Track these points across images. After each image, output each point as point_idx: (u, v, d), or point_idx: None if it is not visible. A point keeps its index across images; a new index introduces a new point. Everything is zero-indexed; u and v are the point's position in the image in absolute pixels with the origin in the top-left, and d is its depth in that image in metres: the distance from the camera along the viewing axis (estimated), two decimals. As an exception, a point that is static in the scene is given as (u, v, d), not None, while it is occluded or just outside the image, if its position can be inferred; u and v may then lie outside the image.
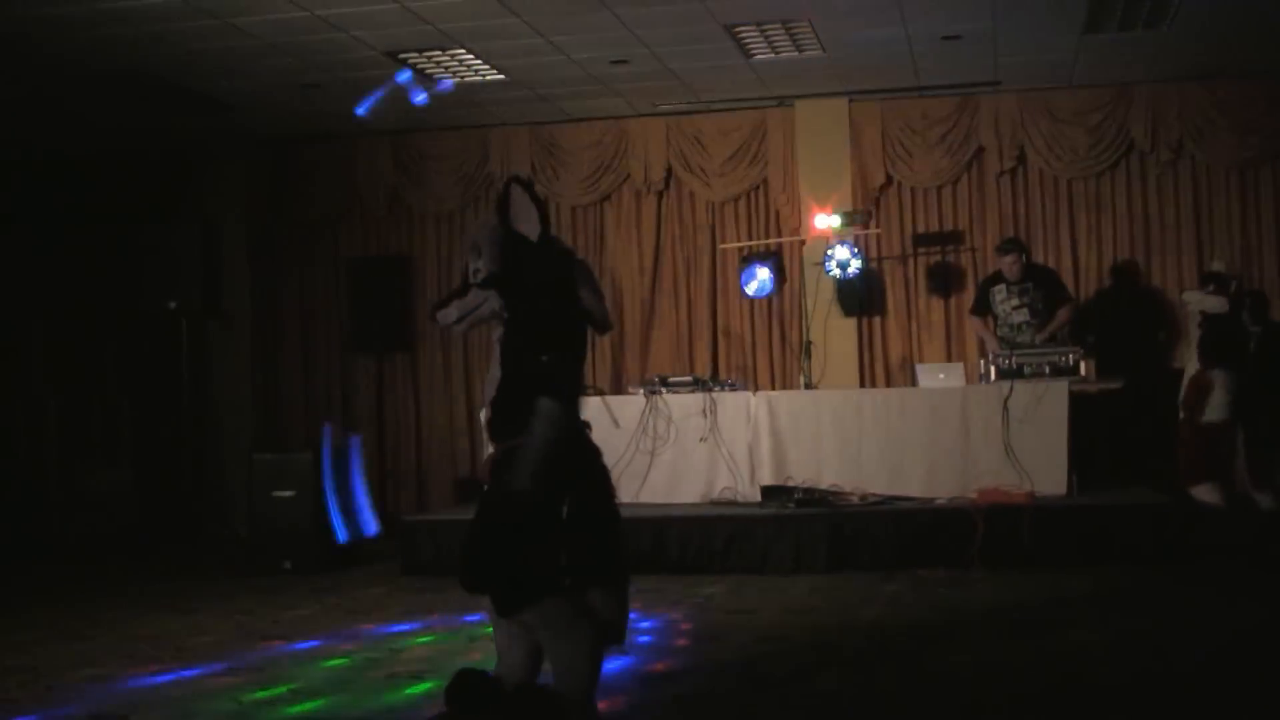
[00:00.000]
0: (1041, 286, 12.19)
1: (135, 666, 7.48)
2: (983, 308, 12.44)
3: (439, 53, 11.62)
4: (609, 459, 11.09)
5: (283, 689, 6.72)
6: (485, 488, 5.68)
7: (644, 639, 7.76)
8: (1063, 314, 12.12)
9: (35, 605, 10.02)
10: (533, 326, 5.59)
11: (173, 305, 12.95)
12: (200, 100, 12.73)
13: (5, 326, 14.26)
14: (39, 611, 9.66)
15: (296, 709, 6.31)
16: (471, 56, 11.76)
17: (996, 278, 12.32)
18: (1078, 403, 11.05)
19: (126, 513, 13.68)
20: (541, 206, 5.74)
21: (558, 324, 5.67)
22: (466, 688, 5.55)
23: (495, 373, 5.63)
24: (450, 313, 5.72)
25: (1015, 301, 12.13)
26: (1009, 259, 12.14)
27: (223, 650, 7.90)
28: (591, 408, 11.57)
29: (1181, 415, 11.65)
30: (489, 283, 5.61)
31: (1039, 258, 13.05)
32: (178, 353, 13.28)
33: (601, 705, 5.70)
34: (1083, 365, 11.33)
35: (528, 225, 5.69)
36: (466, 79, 12.36)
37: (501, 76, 12.38)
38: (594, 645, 5.43)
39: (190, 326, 13.26)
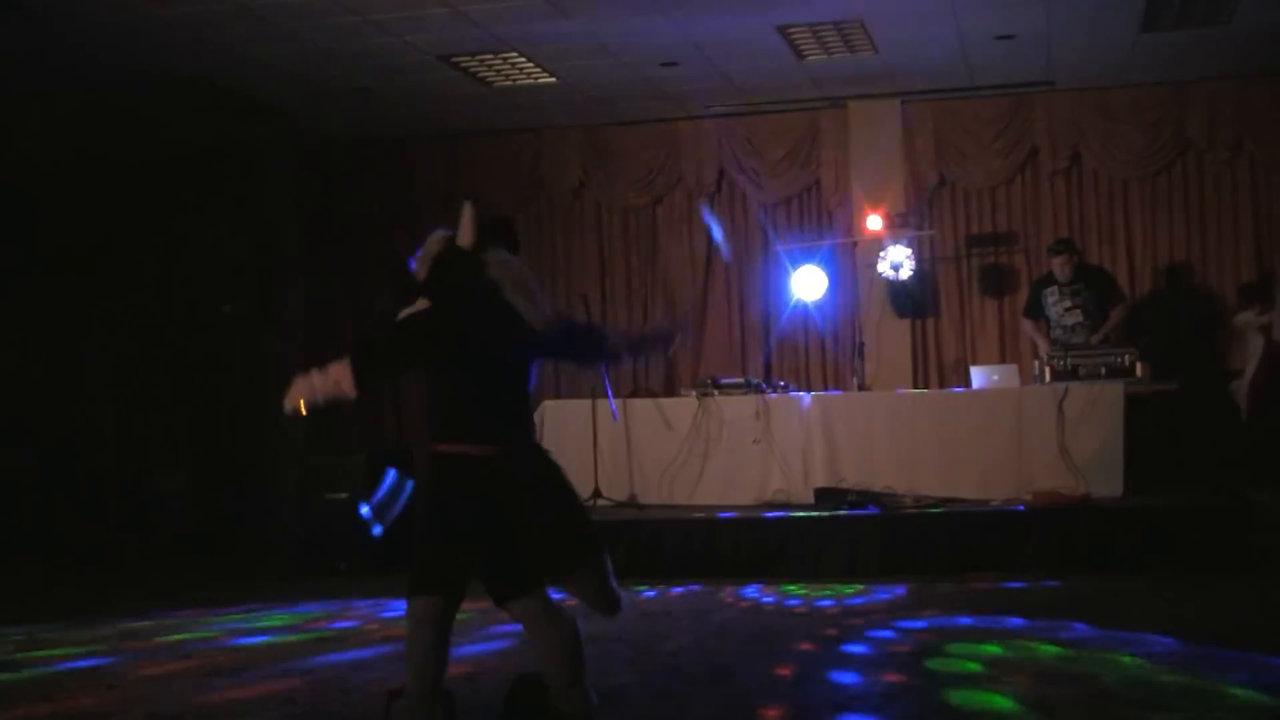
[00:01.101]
0: (1093, 287, 12.09)
1: (194, 669, 7.52)
2: (1035, 310, 12.35)
3: (491, 56, 11.64)
4: (662, 462, 11.22)
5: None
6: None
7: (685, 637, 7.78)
8: (1116, 314, 12.03)
9: (96, 607, 10.10)
10: None
11: (227, 309, 13.00)
12: (255, 105, 12.80)
13: (64, 332, 14.36)
14: (100, 614, 9.72)
15: None
16: (523, 59, 11.78)
17: (1048, 279, 12.22)
18: (1133, 404, 10.97)
19: (183, 516, 13.78)
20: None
21: None
22: (525, 692, 5.55)
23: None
24: None
25: (1068, 303, 12.04)
26: (1060, 260, 12.05)
27: (278, 655, 7.93)
28: (644, 410, 11.67)
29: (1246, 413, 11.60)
30: None
31: (1093, 259, 12.96)
32: (232, 356, 13.35)
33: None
34: (1138, 366, 11.25)
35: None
36: (518, 82, 12.38)
37: (553, 79, 12.39)
38: (567, 634, 5.41)
39: (244, 330, 13.31)
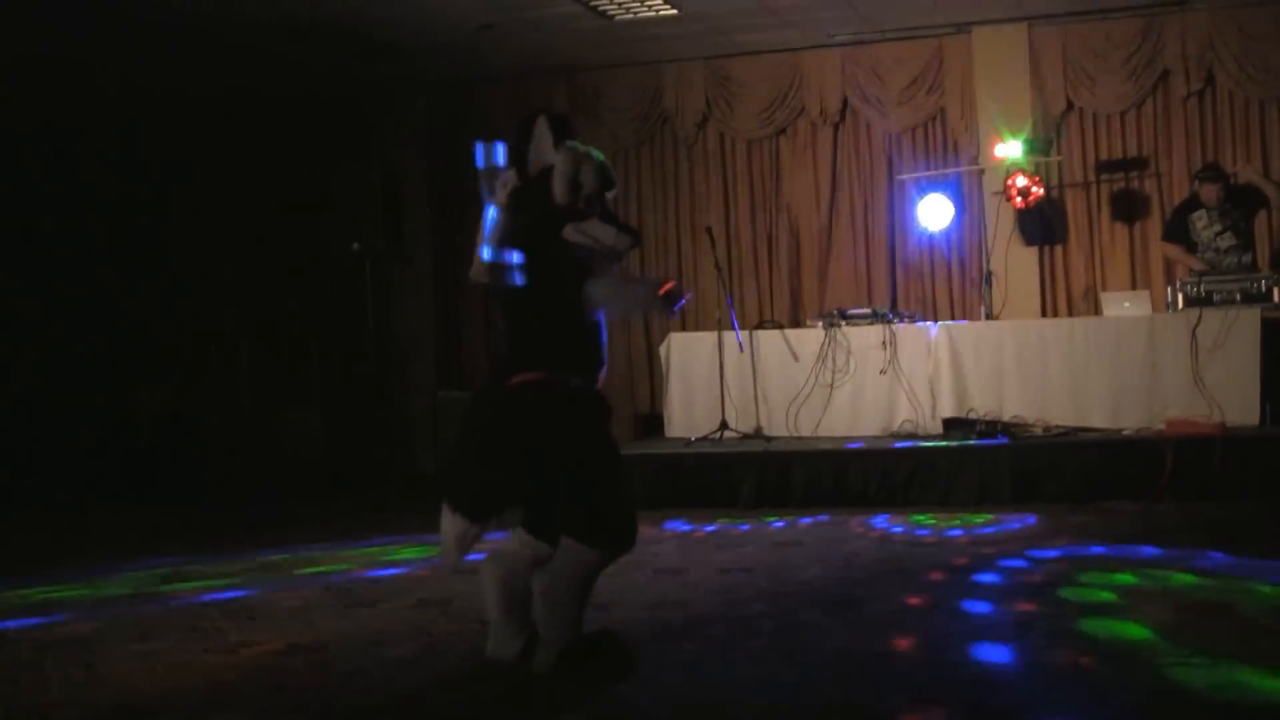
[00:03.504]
0: (1240, 206, 11.81)
1: (332, 599, 7.68)
2: (1178, 234, 12.04)
3: (612, -12, 11.64)
4: (788, 393, 11.22)
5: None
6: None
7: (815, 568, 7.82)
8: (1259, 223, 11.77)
9: (236, 541, 10.31)
10: None
11: (356, 247, 13.14)
12: (379, 47, 12.90)
13: (199, 271, 14.61)
14: (240, 547, 9.94)
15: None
16: (644, -9, 11.77)
17: (1193, 203, 11.94)
18: (1270, 330, 10.79)
19: (316, 451, 14.01)
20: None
21: None
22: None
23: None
24: None
25: (1218, 226, 11.71)
26: (1213, 187, 11.73)
27: (413, 587, 8.07)
28: (770, 341, 11.69)
29: None
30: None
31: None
32: (362, 294, 13.50)
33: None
34: (1275, 292, 11.02)
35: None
36: (638, 15, 12.36)
37: (674, 11, 12.35)
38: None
39: (373, 268, 13.44)
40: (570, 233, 5.54)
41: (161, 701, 5.60)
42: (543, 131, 5.68)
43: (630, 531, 5.52)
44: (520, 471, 5.44)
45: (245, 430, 14.19)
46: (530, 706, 5.35)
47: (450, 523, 5.49)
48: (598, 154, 5.68)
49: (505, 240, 5.64)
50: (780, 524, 9.87)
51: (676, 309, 5.74)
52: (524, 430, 5.42)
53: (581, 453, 5.46)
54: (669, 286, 5.60)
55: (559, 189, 5.56)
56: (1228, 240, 11.70)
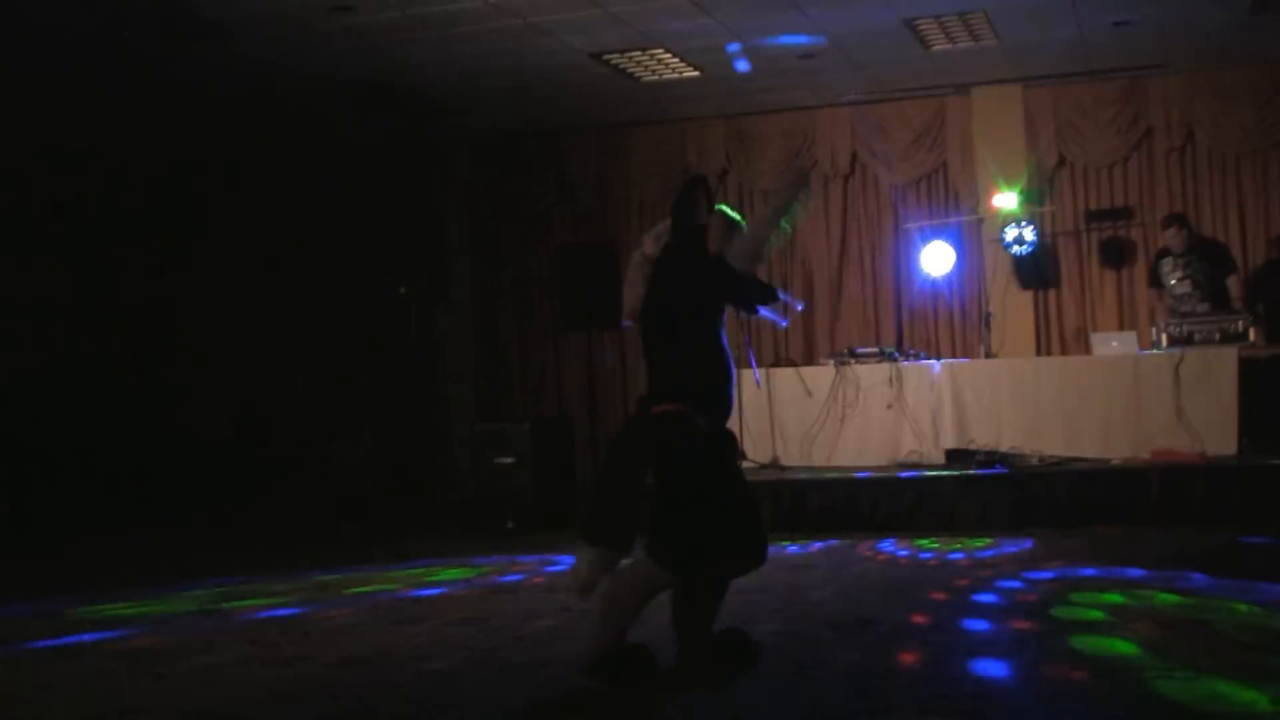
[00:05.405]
0: (1206, 259, 11.85)
1: (380, 617, 7.70)
2: (1155, 280, 12.14)
3: (639, 52, 11.69)
4: (802, 426, 11.28)
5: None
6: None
7: (827, 589, 7.81)
8: (1234, 286, 11.77)
9: (291, 562, 10.35)
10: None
11: (402, 290, 13.20)
12: (426, 104, 12.98)
13: (258, 311, 14.67)
14: (295, 568, 9.97)
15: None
16: (669, 55, 11.80)
17: (1165, 250, 12.02)
18: (1247, 368, 10.80)
19: (365, 478, 14.06)
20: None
21: None
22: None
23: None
24: None
25: (1180, 273, 11.82)
26: (1170, 232, 11.87)
27: (455, 605, 8.09)
28: (785, 378, 11.71)
29: None
30: None
31: (1209, 232, 12.72)
32: (407, 334, 13.56)
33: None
34: (1251, 332, 11.04)
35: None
36: (663, 76, 12.42)
37: (696, 73, 12.41)
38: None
39: (418, 310, 13.51)
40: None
41: (223, 709, 5.63)
42: (700, 195, 5.90)
43: (701, 557, 5.56)
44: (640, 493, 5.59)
45: (301, 459, 14.25)
46: (558, 717, 5.37)
47: (588, 551, 5.56)
48: (742, 220, 5.92)
49: (660, 287, 5.83)
50: (795, 548, 9.86)
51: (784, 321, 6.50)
52: (649, 454, 5.58)
53: (678, 476, 5.56)
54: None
55: (712, 244, 5.77)
56: (1184, 287, 11.77)
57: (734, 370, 5.78)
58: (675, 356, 5.68)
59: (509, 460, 11.76)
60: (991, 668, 5.69)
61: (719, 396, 5.67)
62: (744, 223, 5.89)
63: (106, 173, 13.72)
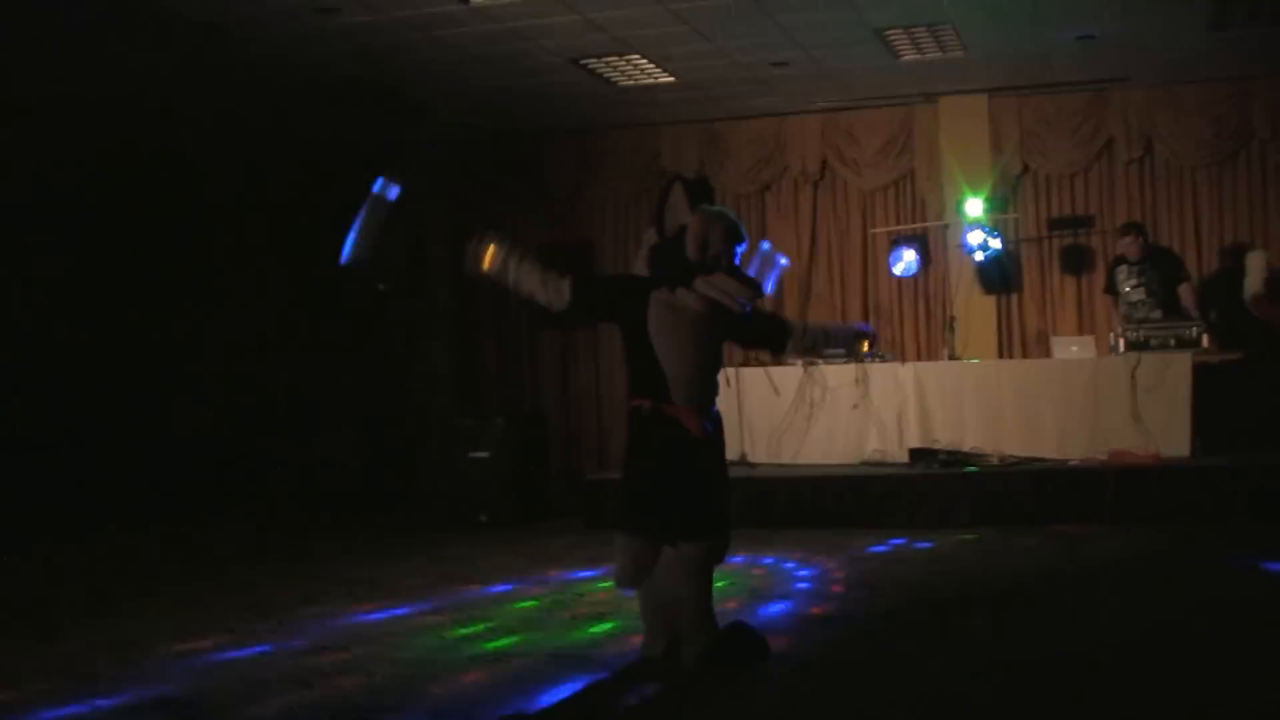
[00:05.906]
0: (1159, 267, 11.94)
1: (354, 605, 7.76)
2: (1111, 287, 12.24)
3: (616, 59, 11.71)
4: (770, 424, 11.35)
5: (480, 626, 6.95)
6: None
7: (803, 585, 7.88)
8: (1185, 294, 11.87)
9: (269, 551, 10.39)
10: None
11: (383, 288, 13.21)
12: (406, 104, 12.98)
13: (241, 305, 14.62)
14: (272, 557, 10.01)
15: (493, 645, 6.50)
16: (645, 61, 11.84)
17: (1121, 258, 12.12)
18: (1200, 373, 10.93)
19: (347, 472, 14.06)
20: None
21: None
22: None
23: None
24: None
25: (1134, 281, 11.90)
26: (1126, 240, 11.98)
27: (429, 592, 8.14)
28: (754, 377, 11.76)
29: None
30: None
31: (1164, 239, 12.83)
32: (388, 330, 13.55)
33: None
34: (1204, 338, 11.17)
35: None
36: (640, 81, 12.47)
37: (672, 79, 12.45)
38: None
39: (398, 306, 13.50)
40: (700, 285, 5.71)
41: (200, 696, 5.69)
42: (679, 195, 5.82)
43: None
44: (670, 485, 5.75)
45: (282, 453, 14.22)
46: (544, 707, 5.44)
47: (628, 543, 5.66)
48: (730, 214, 5.89)
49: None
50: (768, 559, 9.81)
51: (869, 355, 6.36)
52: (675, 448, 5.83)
53: (708, 465, 5.90)
54: (867, 340, 6.84)
55: (690, 247, 5.71)
56: (1138, 294, 11.87)
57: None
58: (691, 369, 5.82)
59: (484, 454, 11.82)
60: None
61: (715, 392, 6.02)
62: (730, 217, 5.87)
63: (87, 172, 13.65)
